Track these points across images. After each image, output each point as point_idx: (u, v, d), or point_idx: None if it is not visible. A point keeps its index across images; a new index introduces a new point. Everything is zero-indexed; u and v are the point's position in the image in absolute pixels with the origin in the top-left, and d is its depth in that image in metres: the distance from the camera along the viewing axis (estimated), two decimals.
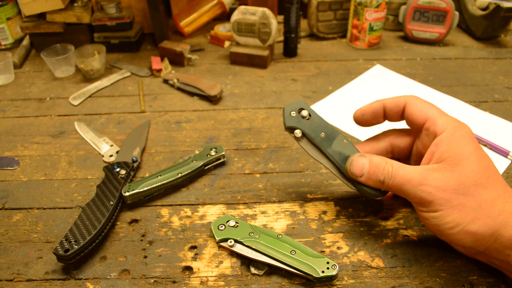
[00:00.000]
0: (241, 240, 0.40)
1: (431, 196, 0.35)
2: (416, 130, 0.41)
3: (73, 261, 0.39)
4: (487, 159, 0.36)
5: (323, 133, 0.42)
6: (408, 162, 0.43)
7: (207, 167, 0.52)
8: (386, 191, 0.40)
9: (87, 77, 0.74)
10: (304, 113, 0.42)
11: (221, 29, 0.88)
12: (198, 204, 0.47)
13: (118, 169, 0.49)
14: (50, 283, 0.39)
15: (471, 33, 0.87)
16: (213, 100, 0.65)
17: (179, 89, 0.69)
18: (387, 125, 0.45)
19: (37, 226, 0.45)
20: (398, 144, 0.44)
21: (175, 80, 0.69)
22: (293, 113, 0.42)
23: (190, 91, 0.68)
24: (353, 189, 0.41)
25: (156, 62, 0.75)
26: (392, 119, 0.43)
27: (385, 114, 0.43)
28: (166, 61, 0.76)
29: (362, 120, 0.44)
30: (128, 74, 0.75)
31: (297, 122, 0.42)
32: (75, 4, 0.80)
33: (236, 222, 0.42)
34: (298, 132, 0.42)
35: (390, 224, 0.44)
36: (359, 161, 0.39)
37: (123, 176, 0.49)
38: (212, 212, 0.46)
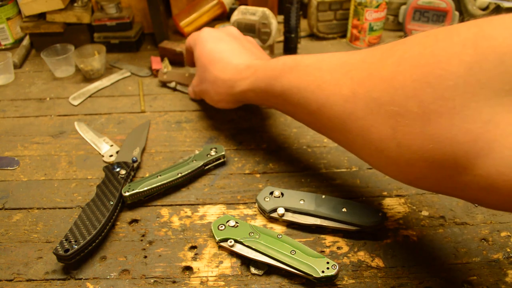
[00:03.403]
0: (241, 240, 0.40)
1: (197, 94, 0.60)
2: None
3: (73, 261, 0.39)
4: (216, 46, 0.51)
5: (301, 200, 0.44)
6: None
7: (207, 167, 0.52)
8: (384, 219, 0.42)
9: (87, 77, 0.74)
10: (276, 193, 0.45)
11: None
12: (198, 204, 0.47)
13: (118, 169, 0.49)
14: (50, 283, 0.39)
15: None
16: None
17: (179, 90, 0.69)
18: None
19: (37, 226, 0.45)
20: None
21: (174, 84, 0.70)
22: (267, 199, 0.45)
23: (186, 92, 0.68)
24: (352, 229, 0.42)
25: (156, 62, 0.75)
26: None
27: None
28: (166, 61, 0.76)
29: (188, 60, 0.64)
30: (128, 74, 0.75)
31: (275, 203, 0.44)
32: (75, 4, 0.80)
33: (236, 222, 0.42)
34: (280, 209, 0.44)
35: (390, 224, 0.44)
36: (189, 90, 0.64)
37: (123, 176, 0.49)
38: (212, 212, 0.46)
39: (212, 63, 0.50)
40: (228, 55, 0.50)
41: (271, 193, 0.46)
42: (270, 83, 0.43)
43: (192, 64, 0.62)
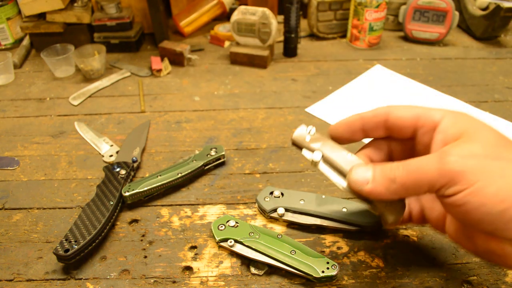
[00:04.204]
0: (241, 240, 0.40)
1: (460, 165, 0.27)
2: (408, 136, 0.34)
3: (73, 261, 0.39)
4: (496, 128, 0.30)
5: (302, 200, 0.44)
6: None
7: (207, 167, 0.52)
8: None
9: (87, 77, 0.74)
10: (276, 193, 0.45)
11: (221, 29, 0.88)
12: (198, 204, 0.47)
13: (118, 169, 0.49)
14: (50, 283, 0.39)
15: (471, 33, 0.87)
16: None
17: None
18: None
19: (37, 226, 0.45)
20: (398, 149, 0.36)
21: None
22: (267, 199, 0.45)
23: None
24: (352, 229, 0.42)
25: (156, 62, 0.75)
26: (373, 132, 0.35)
27: (364, 128, 0.35)
28: (166, 61, 0.76)
29: (337, 134, 0.36)
30: (128, 74, 0.75)
31: (275, 203, 0.44)
32: (75, 4, 0.80)
33: (236, 222, 0.42)
34: (280, 209, 0.44)
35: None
36: (361, 168, 0.31)
37: (123, 176, 0.49)
38: (212, 212, 0.46)
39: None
40: None
41: (271, 193, 0.46)
42: None
43: (351, 138, 0.36)
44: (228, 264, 0.40)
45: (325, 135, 0.36)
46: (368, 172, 0.31)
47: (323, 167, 0.34)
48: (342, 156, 0.33)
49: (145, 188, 0.46)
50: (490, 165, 0.26)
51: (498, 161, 0.26)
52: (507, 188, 0.25)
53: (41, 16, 0.79)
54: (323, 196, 0.44)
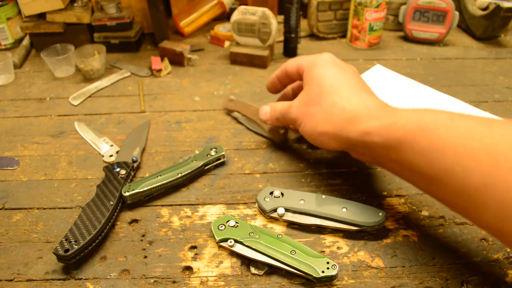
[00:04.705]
0: (241, 240, 0.40)
1: (293, 114, 0.46)
2: (299, 79, 0.50)
3: (73, 261, 0.39)
4: (337, 74, 0.44)
5: (302, 200, 0.44)
6: None
7: (207, 167, 0.52)
8: (384, 219, 0.42)
9: (87, 77, 0.74)
10: (276, 193, 0.45)
11: (221, 29, 0.88)
12: (198, 204, 0.47)
13: (118, 169, 0.49)
14: (50, 283, 0.39)
15: (471, 33, 0.87)
16: (277, 143, 0.57)
17: (239, 122, 0.61)
18: None
19: (37, 226, 0.45)
20: (298, 91, 0.53)
21: (237, 114, 0.61)
22: (267, 199, 0.45)
23: (253, 129, 0.59)
24: (352, 229, 0.42)
25: (156, 62, 0.75)
26: (285, 81, 0.52)
27: (280, 80, 0.53)
28: (166, 61, 0.76)
29: (269, 89, 0.55)
30: (128, 74, 0.75)
31: (275, 203, 0.44)
32: (75, 4, 0.80)
33: (236, 222, 0.42)
34: (280, 209, 0.44)
35: (390, 224, 0.44)
36: (263, 109, 0.52)
37: (123, 176, 0.49)
38: (212, 212, 0.46)
39: (335, 87, 0.42)
40: (356, 86, 0.42)
41: (271, 193, 0.46)
42: (413, 136, 0.34)
43: (275, 89, 0.55)
44: (228, 264, 0.40)
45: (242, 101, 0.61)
46: (267, 112, 0.52)
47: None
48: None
49: (145, 188, 0.46)
50: (307, 112, 0.44)
51: (313, 107, 0.43)
52: (311, 125, 0.43)
53: (41, 16, 0.79)
54: (323, 196, 0.44)
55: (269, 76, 0.54)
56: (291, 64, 0.50)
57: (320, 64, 0.45)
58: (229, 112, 0.63)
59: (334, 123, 0.41)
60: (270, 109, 0.51)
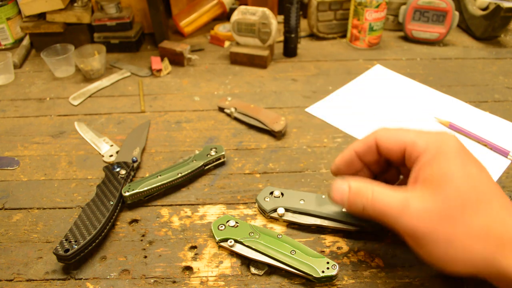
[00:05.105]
0: (241, 240, 0.40)
1: (413, 225, 0.32)
2: (401, 162, 0.36)
3: (73, 261, 0.39)
4: (479, 176, 0.32)
5: (302, 200, 0.44)
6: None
7: (207, 167, 0.52)
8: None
9: (87, 77, 0.74)
10: (276, 193, 0.45)
11: (221, 29, 0.88)
12: (198, 204, 0.47)
13: (118, 169, 0.49)
14: (50, 283, 0.39)
15: (471, 33, 0.87)
16: (276, 136, 0.57)
17: (236, 119, 0.61)
18: None
19: (37, 226, 0.45)
20: (369, 158, 0.39)
21: (233, 110, 0.61)
22: (267, 199, 0.45)
23: (249, 123, 0.59)
24: (352, 229, 0.42)
25: (156, 62, 0.75)
26: (369, 159, 0.38)
27: (360, 158, 0.38)
28: (166, 61, 0.76)
29: (340, 173, 0.40)
30: (128, 74, 0.75)
31: (275, 203, 0.44)
32: (75, 4, 0.80)
33: (236, 222, 0.42)
34: (280, 209, 0.44)
35: None
36: (338, 186, 0.35)
37: (123, 176, 0.49)
38: (212, 212, 0.46)
39: (483, 202, 0.31)
40: (503, 196, 0.32)
41: (271, 193, 0.46)
42: None
43: (353, 169, 0.40)
44: (228, 264, 0.40)
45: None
46: (344, 192, 0.35)
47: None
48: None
49: (145, 188, 0.46)
50: (440, 232, 0.31)
51: (450, 224, 0.30)
52: (449, 250, 0.30)
53: (41, 16, 0.79)
54: (323, 196, 0.44)
55: (340, 154, 0.40)
56: (387, 138, 0.36)
57: (453, 156, 0.32)
58: (222, 109, 0.63)
59: (479, 254, 0.30)
60: (350, 191, 0.35)
